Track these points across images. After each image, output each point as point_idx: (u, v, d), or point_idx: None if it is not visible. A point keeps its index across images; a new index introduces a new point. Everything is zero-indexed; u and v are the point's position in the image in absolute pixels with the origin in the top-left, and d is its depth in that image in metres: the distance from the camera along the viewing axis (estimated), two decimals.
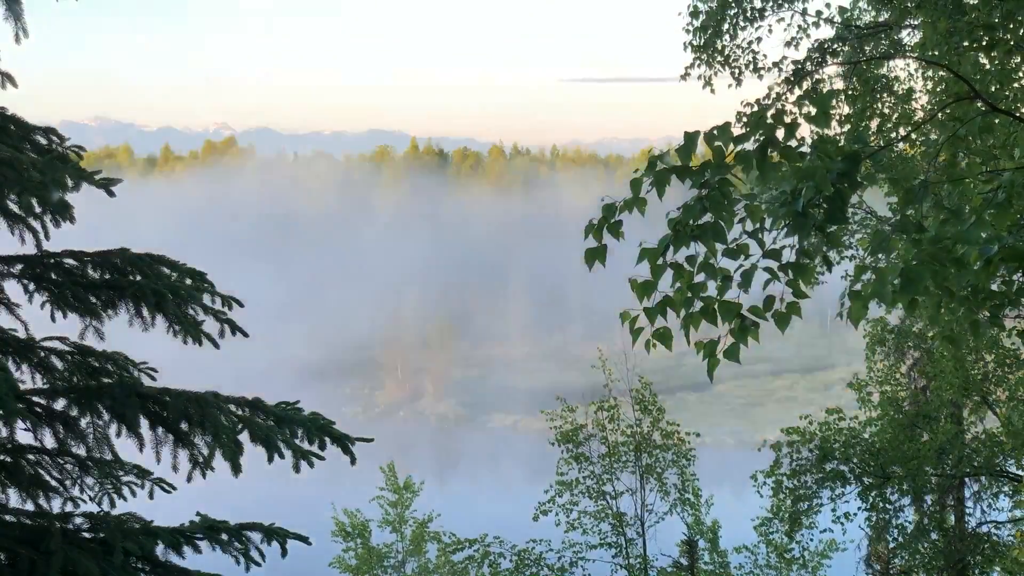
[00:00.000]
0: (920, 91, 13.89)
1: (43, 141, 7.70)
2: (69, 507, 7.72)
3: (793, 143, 3.81)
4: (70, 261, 7.70)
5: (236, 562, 7.69)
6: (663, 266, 3.87)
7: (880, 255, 4.11)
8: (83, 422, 7.50)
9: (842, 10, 13.59)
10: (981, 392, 15.81)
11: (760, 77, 13.58)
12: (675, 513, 16.57)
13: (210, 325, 7.81)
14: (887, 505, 15.25)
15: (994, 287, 4.06)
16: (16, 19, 7.54)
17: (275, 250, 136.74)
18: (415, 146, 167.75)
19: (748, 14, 13.06)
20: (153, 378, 7.91)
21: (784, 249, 3.83)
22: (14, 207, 7.32)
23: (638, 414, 16.66)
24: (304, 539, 7.95)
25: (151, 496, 7.87)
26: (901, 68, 14.36)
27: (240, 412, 7.66)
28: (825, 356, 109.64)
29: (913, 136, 10.41)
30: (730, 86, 13.67)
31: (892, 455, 14.78)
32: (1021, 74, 8.83)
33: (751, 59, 13.42)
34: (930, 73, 13.13)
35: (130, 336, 7.80)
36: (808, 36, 13.23)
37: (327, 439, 7.76)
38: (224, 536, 7.63)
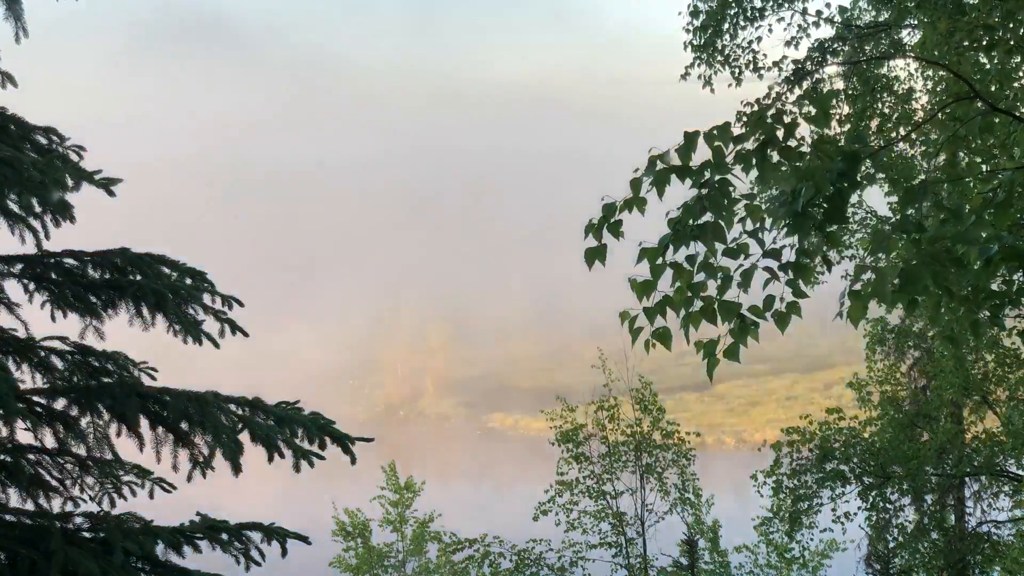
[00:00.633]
0: (920, 91, 13.89)
1: (43, 141, 7.70)
2: (69, 507, 7.71)
3: (793, 143, 3.81)
4: (70, 261, 7.69)
5: (236, 562, 7.69)
6: (663, 266, 3.87)
7: (880, 255, 4.11)
8: (83, 422, 7.50)
9: (842, 10, 13.59)
10: (981, 392, 15.80)
11: (760, 77, 13.58)
12: (675, 513, 16.58)
13: (210, 325, 7.81)
14: (887, 505, 15.25)
15: (994, 287, 4.05)
16: (16, 19, 7.55)
17: (276, 249, 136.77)
18: (416, 144, 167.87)
19: (748, 14, 13.06)
20: (153, 378, 7.91)
21: (784, 249, 3.83)
22: (14, 207, 7.31)
23: (638, 414, 16.67)
24: (304, 539, 7.95)
25: (151, 496, 7.87)
26: (901, 68, 14.37)
27: (240, 412, 7.66)
28: (825, 356, 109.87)
29: (913, 136, 10.41)
30: (730, 86, 13.67)
31: (892, 455, 14.78)
32: (1021, 74, 8.83)
33: (751, 59, 13.42)
34: (930, 73, 13.13)
35: (130, 336, 7.81)
36: (808, 36, 13.24)
37: (327, 439, 7.76)
38: (224, 536, 7.63)
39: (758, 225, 3.85)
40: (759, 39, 13.29)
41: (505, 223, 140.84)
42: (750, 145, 3.80)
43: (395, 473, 20.45)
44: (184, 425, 7.49)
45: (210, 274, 8.02)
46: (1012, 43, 7.52)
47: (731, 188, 3.78)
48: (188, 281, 7.88)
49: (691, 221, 3.78)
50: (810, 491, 14.86)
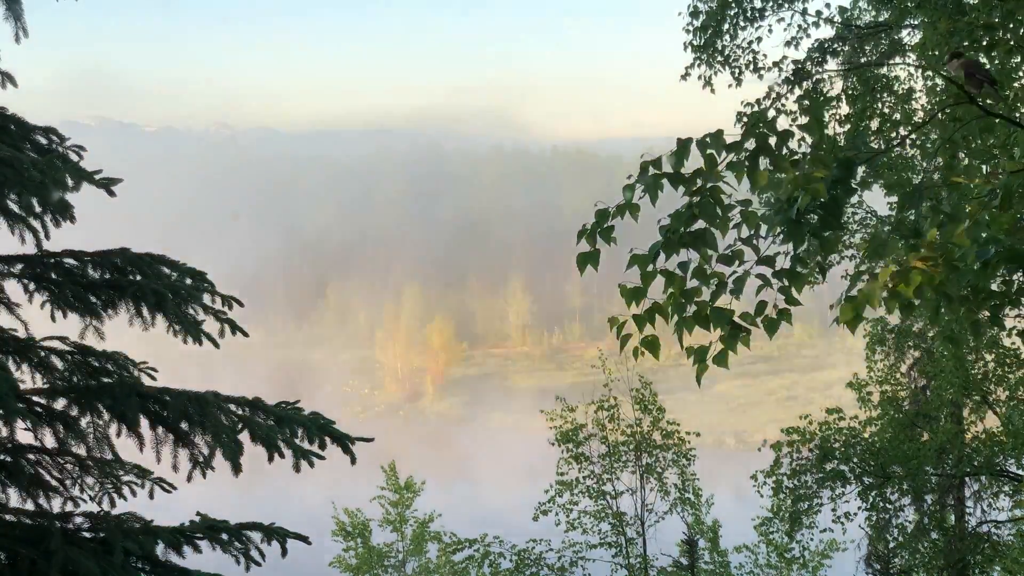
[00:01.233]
0: (920, 91, 13.89)
1: (43, 141, 7.70)
2: (69, 507, 7.72)
3: (785, 151, 3.82)
4: (70, 261, 7.70)
5: (236, 562, 7.70)
6: (653, 273, 3.86)
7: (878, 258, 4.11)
8: (83, 422, 7.50)
9: (842, 10, 13.59)
10: (981, 392, 15.79)
11: (760, 77, 13.58)
12: (675, 513, 16.58)
13: (210, 325, 7.81)
14: (887, 505, 15.24)
15: (994, 287, 4.05)
16: (16, 19, 7.55)
17: (275, 250, 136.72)
18: (415, 146, 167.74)
19: (748, 14, 13.06)
20: (153, 378, 7.91)
21: (778, 256, 3.83)
22: (14, 207, 7.32)
23: (638, 414, 16.66)
24: (304, 539, 7.95)
25: (151, 496, 7.88)
26: (901, 68, 14.37)
27: (240, 412, 7.67)
28: (825, 356, 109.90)
29: (913, 137, 10.41)
30: (730, 86, 13.67)
31: (892, 455, 14.77)
32: (1021, 74, 8.83)
33: (751, 59, 13.43)
34: (930, 73, 13.13)
35: (131, 336, 7.81)
36: (808, 36, 13.24)
37: (327, 439, 7.76)
38: (224, 536, 7.64)
39: (753, 231, 3.85)
40: (759, 39, 13.30)
41: (506, 222, 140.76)
42: (743, 155, 3.80)
43: (395, 473, 20.45)
44: (184, 425, 7.49)
45: (210, 274, 8.03)
46: (1012, 43, 7.52)
47: (725, 196, 3.78)
48: (188, 281, 7.89)
49: (681, 228, 3.78)
50: (810, 491, 14.85)
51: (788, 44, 13.21)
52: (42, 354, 7.69)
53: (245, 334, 7.91)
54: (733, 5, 12.95)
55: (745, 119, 12.97)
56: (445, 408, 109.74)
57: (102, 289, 7.64)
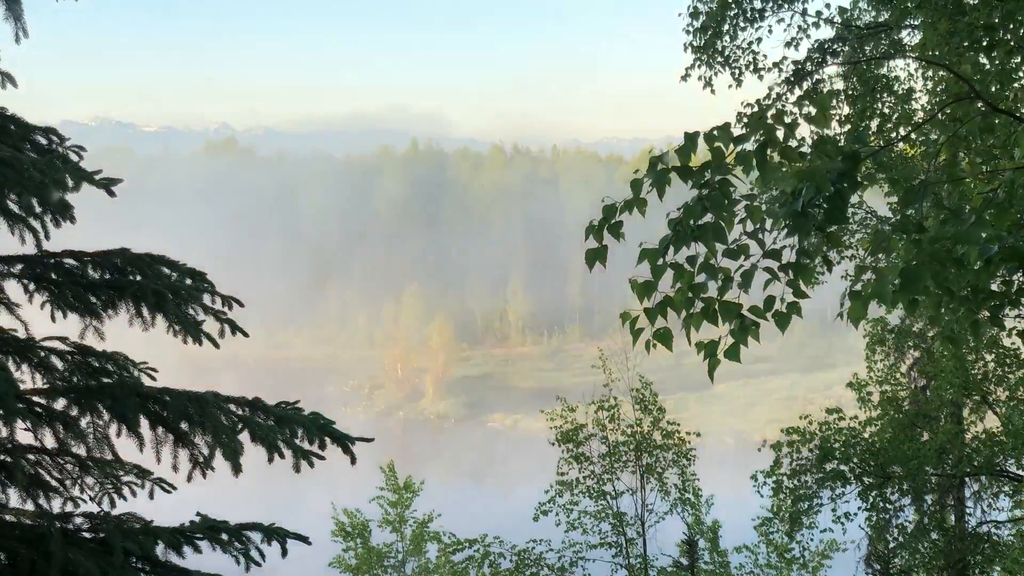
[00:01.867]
0: (920, 91, 13.90)
1: (43, 141, 7.70)
2: (69, 507, 7.72)
3: (793, 143, 3.82)
4: (70, 261, 7.70)
5: (236, 562, 7.70)
6: (663, 266, 3.87)
7: (880, 255, 4.12)
8: (83, 422, 7.50)
9: (842, 10, 13.59)
10: (981, 392, 15.80)
11: (760, 77, 13.59)
12: (675, 513, 16.57)
13: (210, 325, 7.81)
14: (887, 505, 15.24)
15: (994, 287, 4.05)
16: (16, 19, 7.55)
17: (275, 250, 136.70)
18: (415, 146, 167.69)
19: (748, 14, 13.06)
20: (153, 378, 7.91)
21: (784, 249, 3.83)
22: (14, 207, 7.31)
23: (638, 414, 16.66)
24: (304, 539, 7.95)
25: (151, 496, 7.87)
26: (901, 68, 14.37)
27: (240, 412, 7.66)
28: (825, 356, 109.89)
29: (913, 136, 10.41)
30: (730, 86, 13.68)
31: (892, 455, 14.77)
32: (1021, 74, 8.83)
33: (751, 59, 13.43)
34: (930, 73, 13.12)
35: (131, 336, 7.81)
36: (808, 36, 13.24)
37: (327, 439, 7.76)
38: (224, 536, 7.64)
39: (758, 226, 3.85)
40: (759, 40, 13.30)
41: (506, 222, 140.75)
42: (750, 146, 3.80)
43: (394, 473, 20.43)
44: (184, 425, 7.49)
45: (209, 274, 8.03)
46: (1012, 43, 7.52)
47: (732, 188, 3.79)
48: (188, 281, 7.89)
49: (692, 222, 3.78)
50: (810, 491, 14.86)
51: (788, 45, 13.22)
52: (42, 354, 7.69)
53: (245, 334, 7.91)
54: (733, 6, 12.95)
55: (745, 120, 12.96)
56: (445, 408, 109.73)
57: (102, 289, 7.63)
